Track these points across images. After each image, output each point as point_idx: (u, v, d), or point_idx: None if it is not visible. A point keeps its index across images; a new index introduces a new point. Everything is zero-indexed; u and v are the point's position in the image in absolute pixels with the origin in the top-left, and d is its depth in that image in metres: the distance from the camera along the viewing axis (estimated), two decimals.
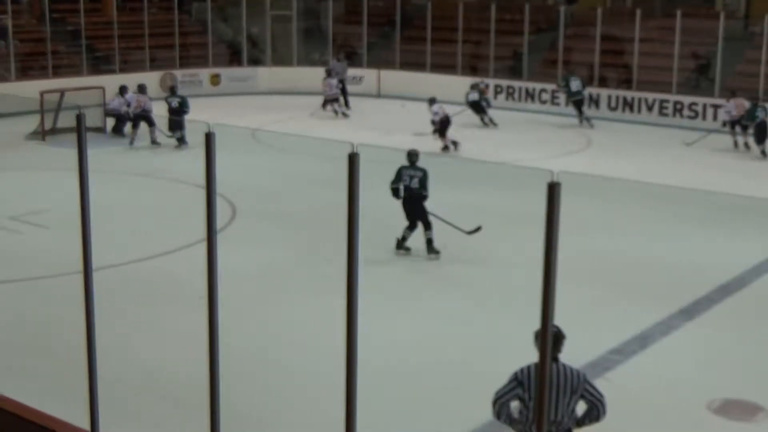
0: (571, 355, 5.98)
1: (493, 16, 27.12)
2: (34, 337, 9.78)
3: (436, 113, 20.30)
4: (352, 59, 29.29)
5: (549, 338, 3.01)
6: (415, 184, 12.45)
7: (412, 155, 12.69)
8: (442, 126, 20.28)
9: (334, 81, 25.40)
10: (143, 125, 20.80)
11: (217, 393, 5.59)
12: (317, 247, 12.94)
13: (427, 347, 9.73)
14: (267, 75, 29.39)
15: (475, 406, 7.21)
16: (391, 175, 12.51)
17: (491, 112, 23.67)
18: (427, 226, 12.58)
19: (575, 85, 23.97)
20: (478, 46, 28.02)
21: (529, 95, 26.32)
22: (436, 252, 12.56)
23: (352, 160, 4.78)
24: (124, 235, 13.24)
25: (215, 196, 5.47)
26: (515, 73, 27.40)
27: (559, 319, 4.83)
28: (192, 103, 20.88)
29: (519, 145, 21.41)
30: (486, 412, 6.08)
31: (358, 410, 5.03)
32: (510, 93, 26.85)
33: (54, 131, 21.36)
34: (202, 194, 5.50)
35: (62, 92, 21.89)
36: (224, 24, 31.28)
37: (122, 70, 26.76)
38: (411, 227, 12.65)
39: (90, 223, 6.16)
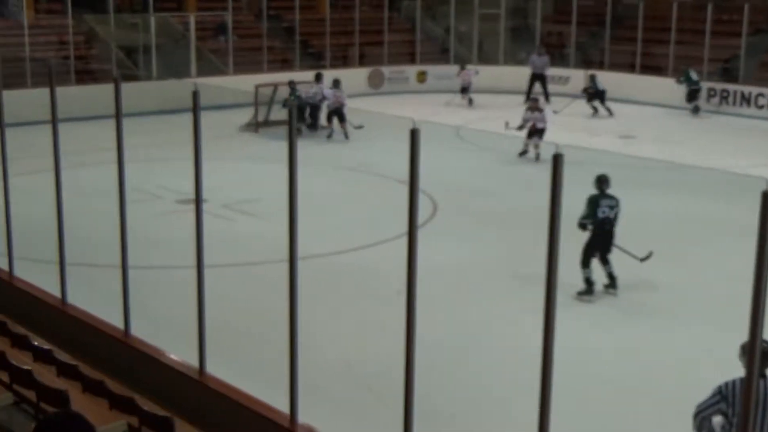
0: None
1: (709, 16, 26.18)
2: (240, 320, 10.22)
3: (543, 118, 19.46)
4: (564, 58, 28.95)
5: (758, 353, 2.89)
6: (615, 215, 10.99)
7: (604, 182, 10.99)
8: (543, 130, 19.33)
9: (471, 71, 26.79)
10: (335, 119, 21.57)
11: (412, 384, 5.69)
12: (518, 247, 12.86)
13: (626, 356, 9.51)
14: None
15: (675, 418, 6.99)
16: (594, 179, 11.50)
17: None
18: (609, 258, 11.22)
19: (695, 75, 25.27)
20: (691, 47, 27.05)
21: (745, 99, 25.20)
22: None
23: (556, 161, 4.73)
24: (327, 227, 13.60)
25: (418, 192, 5.56)
26: (730, 76, 26.30)
27: None
28: (398, 99, 21.20)
29: (731, 151, 20.52)
30: (686, 425, 5.89)
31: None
32: (724, 97, 25.80)
33: (267, 123, 22.26)
34: (403, 189, 5.64)
35: (275, 86, 22.71)
36: (432, 22, 31.60)
37: (332, 66, 27.50)
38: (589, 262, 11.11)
39: (297, 213, 6.40)
